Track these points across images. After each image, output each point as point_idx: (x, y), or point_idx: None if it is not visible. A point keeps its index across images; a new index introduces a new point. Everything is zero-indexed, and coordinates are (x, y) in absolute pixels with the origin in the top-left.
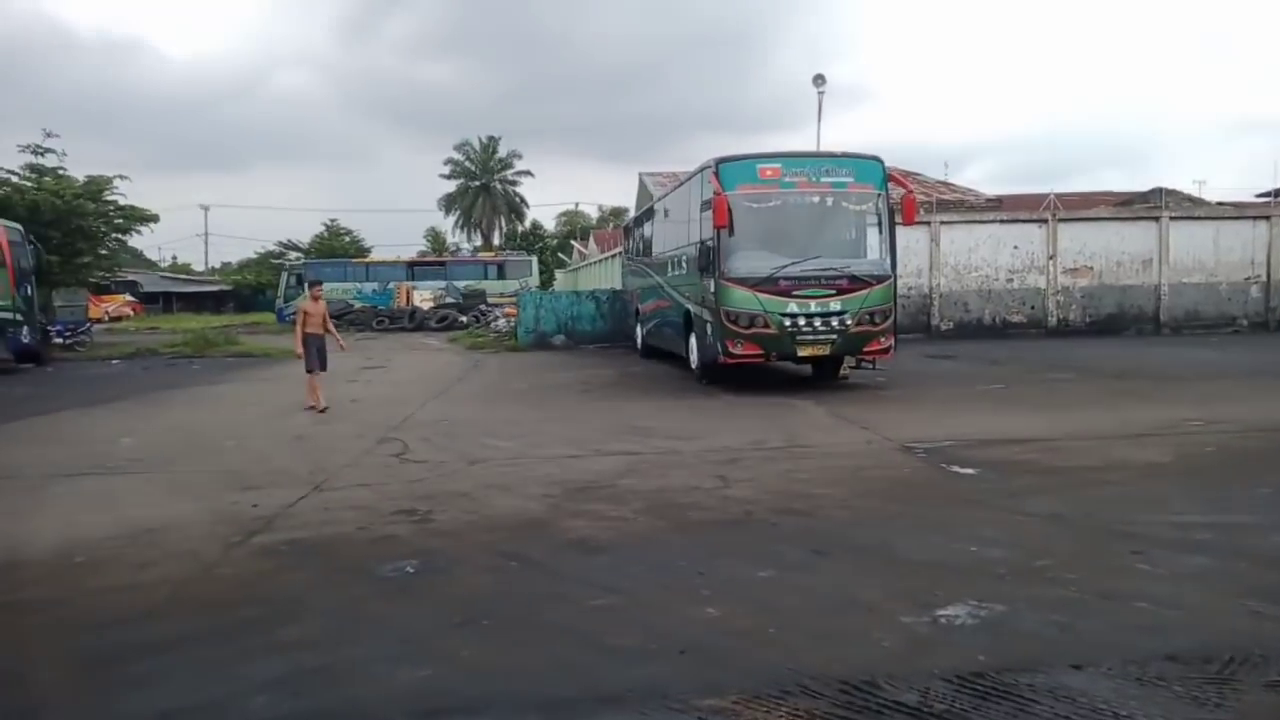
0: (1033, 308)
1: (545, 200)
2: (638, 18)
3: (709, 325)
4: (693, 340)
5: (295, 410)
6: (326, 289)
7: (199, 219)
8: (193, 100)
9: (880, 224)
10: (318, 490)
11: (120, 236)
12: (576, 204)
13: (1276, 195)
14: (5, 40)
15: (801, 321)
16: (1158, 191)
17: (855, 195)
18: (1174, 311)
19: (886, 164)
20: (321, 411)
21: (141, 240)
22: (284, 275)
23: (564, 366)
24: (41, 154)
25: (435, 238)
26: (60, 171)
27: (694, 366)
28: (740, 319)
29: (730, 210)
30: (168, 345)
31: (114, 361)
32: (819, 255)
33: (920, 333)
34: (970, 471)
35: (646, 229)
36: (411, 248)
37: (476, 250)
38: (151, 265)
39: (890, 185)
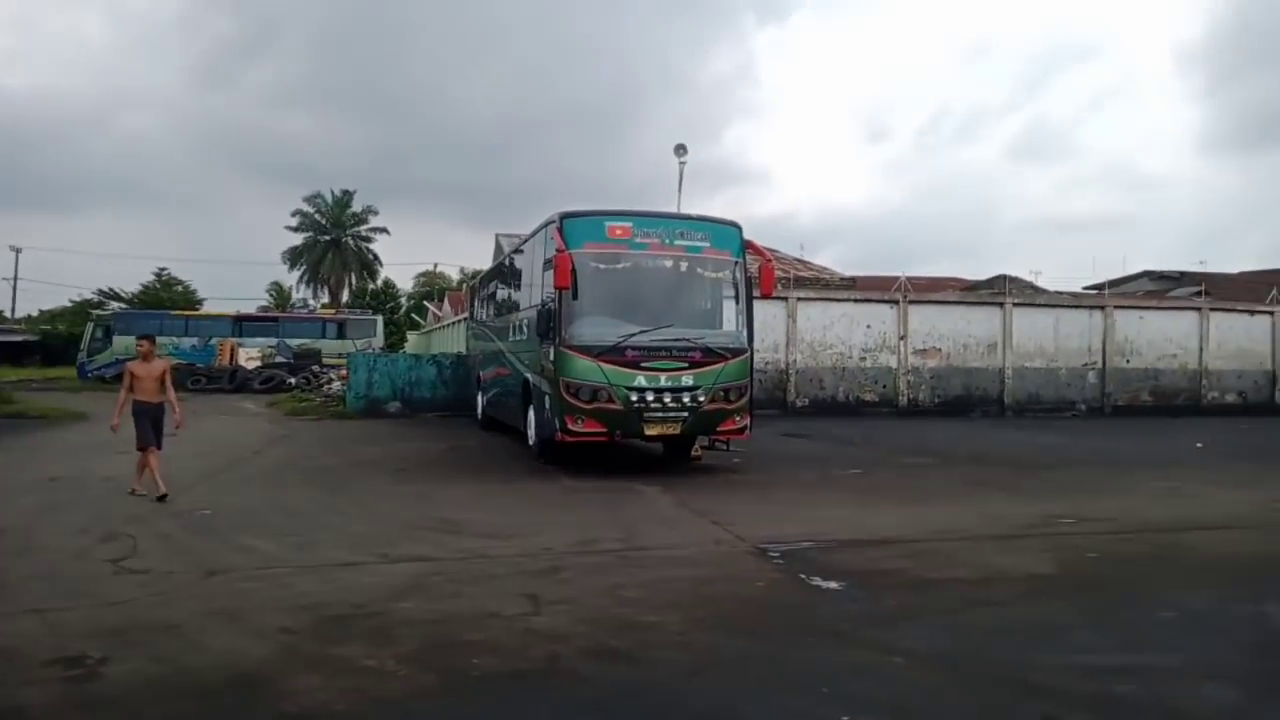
0: (884, 387)
1: (405, 259)
2: (507, 86)
3: (547, 397)
4: (531, 413)
5: (22, 493)
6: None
7: (15, 261)
8: (26, 136)
9: (737, 294)
10: None
11: None
12: (435, 265)
13: (1106, 288)
14: None
15: (650, 396)
16: (1001, 278)
17: (711, 261)
18: (1017, 394)
19: (744, 233)
20: (161, 499)
21: None
22: (89, 326)
23: (389, 438)
24: None
25: (279, 292)
26: None
27: (531, 443)
28: (581, 392)
29: (574, 270)
30: None
31: None
32: (671, 324)
33: (776, 408)
34: (833, 585)
35: (489, 289)
36: (254, 303)
37: (320, 308)
38: None
39: (748, 254)
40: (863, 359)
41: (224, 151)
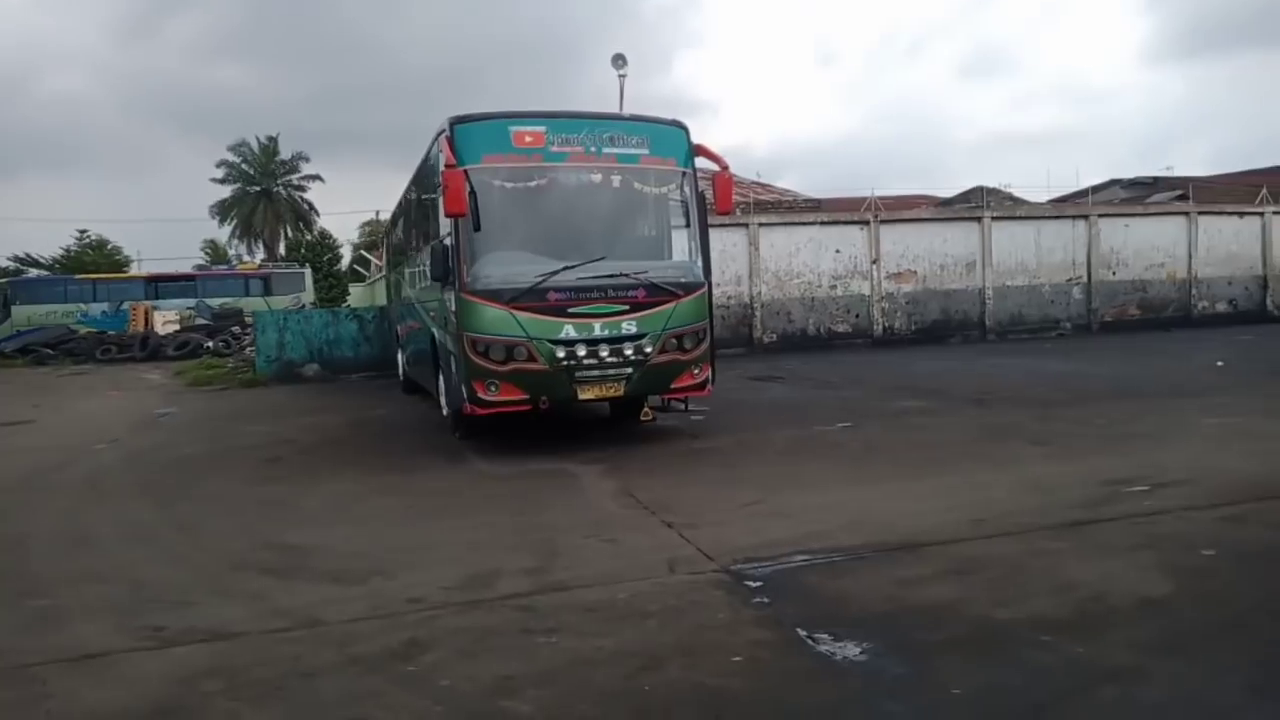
0: (858, 316)
1: (348, 209)
2: (442, 28)
3: (453, 358)
4: (440, 378)
5: None
6: (44, 311)
7: None
8: None
9: (687, 213)
10: None
11: None
12: (377, 213)
13: (1089, 196)
14: None
15: (581, 351)
16: (978, 190)
17: (652, 173)
18: (999, 316)
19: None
20: None
21: None
22: None
23: (289, 411)
24: None
25: (214, 249)
26: None
27: (445, 413)
28: (492, 349)
29: (473, 192)
30: None
31: None
32: (603, 256)
33: (742, 346)
34: (853, 652)
35: (397, 228)
36: (191, 263)
37: (257, 264)
38: None
39: (697, 161)
40: (833, 287)
41: (154, 108)
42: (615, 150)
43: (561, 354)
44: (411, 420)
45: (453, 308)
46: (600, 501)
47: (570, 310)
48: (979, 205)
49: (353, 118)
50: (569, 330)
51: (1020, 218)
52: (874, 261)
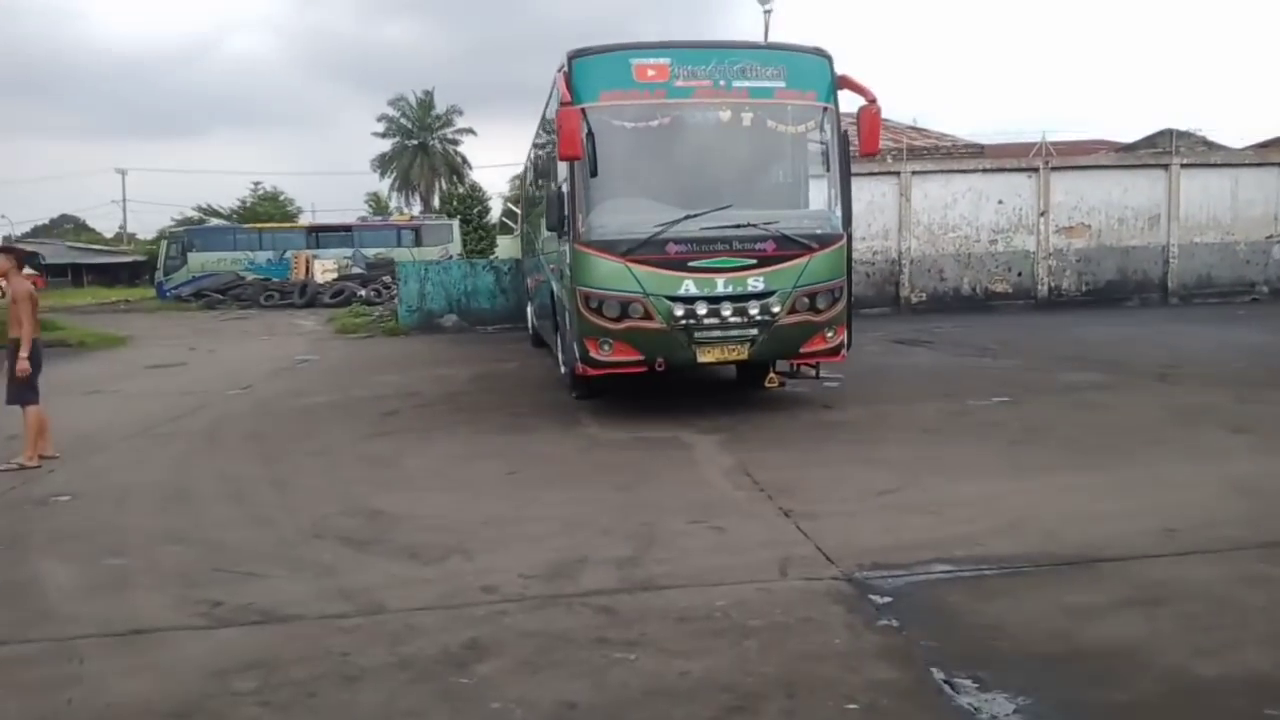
0: (1020, 274)
1: (501, 162)
2: None
3: (568, 314)
4: (559, 335)
5: None
6: (216, 258)
7: (139, 184)
8: (144, 65)
9: (827, 154)
10: None
11: None
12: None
13: None
14: None
15: (702, 310)
16: (1166, 134)
17: (789, 109)
18: (1184, 277)
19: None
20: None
21: (66, 206)
22: (163, 244)
23: (420, 362)
24: None
25: (377, 202)
26: None
27: (562, 372)
28: (606, 305)
29: (590, 133)
30: None
31: None
32: (730, 204)
33: (887, 306)
34: (1004, 709)
35: (529, 177)
36: (356, 213)
37: (410, 215)
38: (75, 234)
39: (840, 95)
40: (993, 242)
41: (327, 65)
42: (747, 83)
43: (680, 312)
44: (533, 377)
45: (567, 260)
46: (712, 479)
47: (691, 264)
48: (1166, 151)
49: (504, 71)
50: (689, 286)
51: (1215, 165)
52: (1042, 214)
